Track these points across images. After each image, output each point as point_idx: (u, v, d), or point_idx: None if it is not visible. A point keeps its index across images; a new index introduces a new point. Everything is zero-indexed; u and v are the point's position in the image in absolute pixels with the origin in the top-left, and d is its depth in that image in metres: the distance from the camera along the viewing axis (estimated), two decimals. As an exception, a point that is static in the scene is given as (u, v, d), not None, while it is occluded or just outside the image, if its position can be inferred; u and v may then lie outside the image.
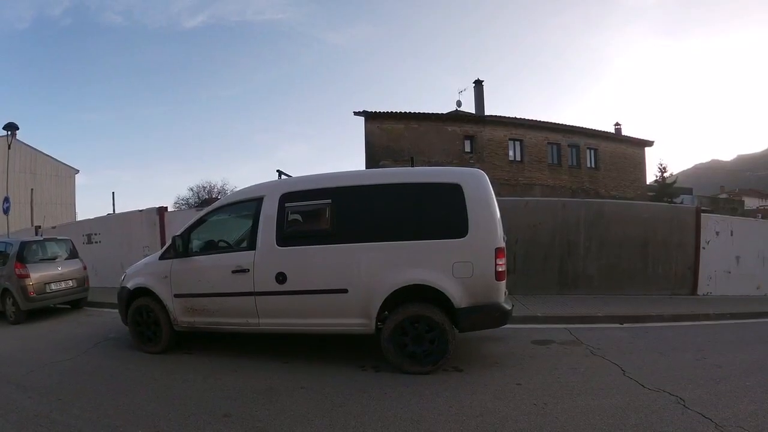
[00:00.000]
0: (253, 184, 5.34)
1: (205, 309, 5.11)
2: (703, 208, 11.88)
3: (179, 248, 5.29)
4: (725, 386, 4.06)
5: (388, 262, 4.52)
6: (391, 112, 19.79)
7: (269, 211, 4.91)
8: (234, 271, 4.92)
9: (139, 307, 5.53)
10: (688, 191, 34.38)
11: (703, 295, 10.30)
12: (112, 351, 5.67)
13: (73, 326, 7.52)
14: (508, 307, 4.60)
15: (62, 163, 31.86)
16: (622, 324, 7.00)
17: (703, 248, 10.50)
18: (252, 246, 4.93)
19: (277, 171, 5.56)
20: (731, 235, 10.94)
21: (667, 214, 10.50)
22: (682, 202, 26.56)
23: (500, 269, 4.45)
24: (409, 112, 19.98)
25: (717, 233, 10.76)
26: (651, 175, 29.50)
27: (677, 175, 36.17)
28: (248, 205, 5.14)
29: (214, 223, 5.46)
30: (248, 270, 4.85)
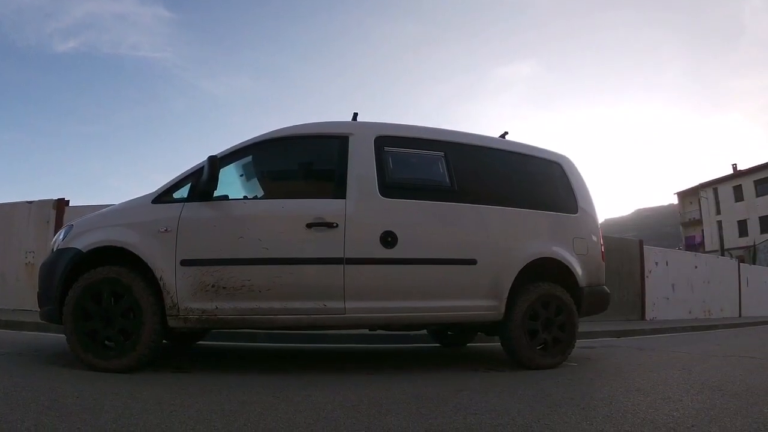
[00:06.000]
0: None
1: (245, 286, 3.50)
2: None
3: (208, 181, 3.52)
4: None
5: (516, 230, 4.12)
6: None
7: (363, 153, 3.92)
8: (310, 225, 3.64)
9: (98, 285, 3.42)
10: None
11: (650, 319, 11.12)
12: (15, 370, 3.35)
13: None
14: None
15: None
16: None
17: (647, 277, 11.45)
18: (340, 193, 3.80)
19: (355, 113, 4.55)
20: (667, 265, 12.13)
21: (618, 245, 11.18)
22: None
23: (603, 249, 4.59)
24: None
25: (656, 263, 11.83)
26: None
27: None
28: (323, 142, 4.10)
29: (264, 159, 4.17)
30: (336, 225, 3.64)
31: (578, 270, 4.25)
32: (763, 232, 36.39)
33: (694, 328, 9.56)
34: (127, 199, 3.93)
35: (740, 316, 14.30)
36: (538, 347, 4.06)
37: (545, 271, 4.17)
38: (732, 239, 38.60)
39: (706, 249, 38.31)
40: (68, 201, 9.05)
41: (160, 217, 3.59)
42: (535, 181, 4.50)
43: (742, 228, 38.97)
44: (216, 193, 3.63)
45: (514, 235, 4.11)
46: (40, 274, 3.73)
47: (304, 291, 3.59)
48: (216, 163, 3.56)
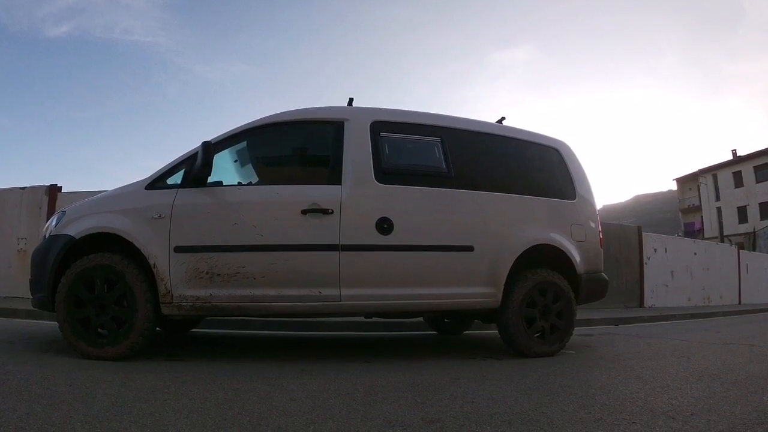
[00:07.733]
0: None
1: (240, 273, 3.50)
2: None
3: (203, 167, 3.50)
4: None
5: (514, 216, 4.11)
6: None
7: (358, 139, 3.90)
8: (305, 211, 3.65)
9: (91, 272, 3.40)
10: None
11: (649, 307, 11.18)
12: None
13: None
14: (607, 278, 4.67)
15: None
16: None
17: (646, 264, 11.49)
18: (335, 179, 3.80)
19: (350, 98, 4.49)
20: (665, 251, 12.18)
21: (617, 232, 11.22)
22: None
23: (601, 236, 4.59)
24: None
25: (655, 250, 11.87)
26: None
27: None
28: (318, 128, 4.10)
29: (258, 145, 4.16)
30: (331, 211, 3.66)
31: (576, 257, 4.25)
32: (762, 218, 36.53)
33: (693, 316, 9.68)
34: (121, 185, 3.89)
35: (740, 303, 14.42)
36: (536, 335, 4.07)
37: (543, 257, 4.16)
38: (731, 226, 38.77)
39: (706, 235, 38.49)
40: (61, 187, 9.01)
41: (154, 203, 3.56)
42: (533, 167, 4.49)
43: (742, 214, 39.12)
44: (210, 179, 3.62)
45: (512, 222, 4.10)
46: (33, 260, 3.69)
47: (299, 278, 3.58)
48: (210, 148, 3.54)
